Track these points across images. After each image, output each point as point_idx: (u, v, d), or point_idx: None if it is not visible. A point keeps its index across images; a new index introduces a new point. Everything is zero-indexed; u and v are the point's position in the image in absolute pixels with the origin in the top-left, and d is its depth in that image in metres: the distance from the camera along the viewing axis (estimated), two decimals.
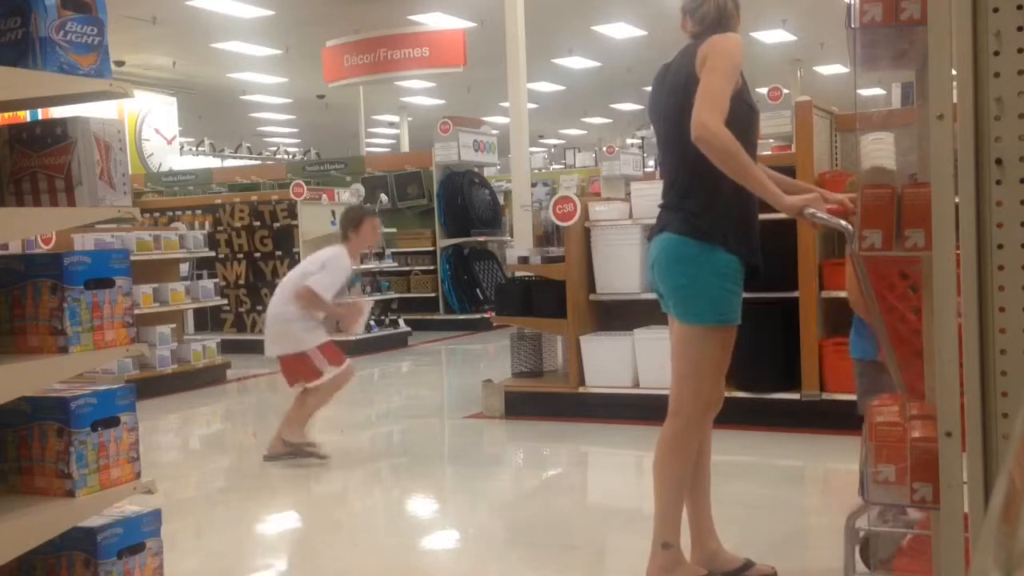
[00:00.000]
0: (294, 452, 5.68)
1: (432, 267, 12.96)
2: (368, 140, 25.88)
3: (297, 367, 5.73)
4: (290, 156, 25.89)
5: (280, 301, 5.77)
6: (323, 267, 5.67)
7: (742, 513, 4.41)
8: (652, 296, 6.31)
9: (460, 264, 12.93)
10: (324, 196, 11.28)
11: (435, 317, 12.78)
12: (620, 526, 4.51)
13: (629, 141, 23.15)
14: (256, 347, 11.40)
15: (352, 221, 5.85)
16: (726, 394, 6.02)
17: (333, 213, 11.12)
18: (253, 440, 5.50)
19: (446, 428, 7.14)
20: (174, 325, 8.57)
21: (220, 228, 11.54)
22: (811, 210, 2.82)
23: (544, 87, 22.14)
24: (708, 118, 2.86)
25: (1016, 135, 1.77)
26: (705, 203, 3.08)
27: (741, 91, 3.07)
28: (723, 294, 3.13)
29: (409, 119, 24.33)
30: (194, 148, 24.01)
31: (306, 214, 10.95)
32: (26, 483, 2.40)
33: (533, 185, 14.57)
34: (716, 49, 3.03)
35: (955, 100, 1.84)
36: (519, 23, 11.72)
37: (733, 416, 5.86)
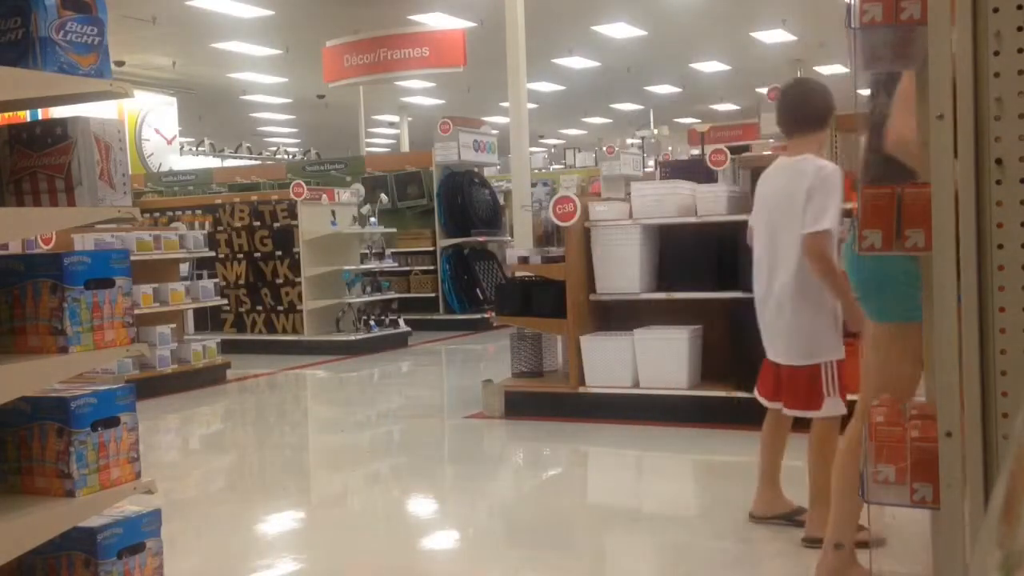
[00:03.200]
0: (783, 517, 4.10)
1: (432, 267, 12.96)
2: (368, 140, 25.87)
3: (801, 383, 3.82)
4: (290, 156, 25.88)
5: (783, 272, 3.80)
6: (812, 193, 3.63)
7: (741, 513, 4.41)
8: (652, 296, 6.38)
9: (460, 264, 12.93)
10: (324, 196, 11.27)
11: (435, 317, 12.78)
12: (620, 526, 4.51)
13: (629, 141, 23.14)
14: (256, 347, 11.48)
15: (816, 117, 3.82)
16: (725, 394, 6.07)
17: (333, 213, 11.12)
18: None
19: (446, 428, 7.14)
20: (174, 325, 8.57)
21: (220, 228, 11.54)
22: None
23: (544, 87, 22.13)
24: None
25: (1016, 135, 1.77)
26: None
27: None
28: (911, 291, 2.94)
29: (409, 119, 24.34)
30: (194, 148, 24.00)
31: (306, 214, 10.94)
32: (26, 483, 2.40)
33: (533, 185, 14.58)
34: None
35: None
36: (519, 23, 11.73)
37: (733, 416, 5.89)
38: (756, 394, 4.14)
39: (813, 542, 3.76)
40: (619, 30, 17.32)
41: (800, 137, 3.82)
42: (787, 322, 3.80)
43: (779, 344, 3.87)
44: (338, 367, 10.14)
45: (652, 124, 24.77)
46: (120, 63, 17.11)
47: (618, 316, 6.61)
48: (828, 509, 3.81)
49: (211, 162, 23.44)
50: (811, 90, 3.88)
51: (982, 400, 1.82)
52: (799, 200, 3.64)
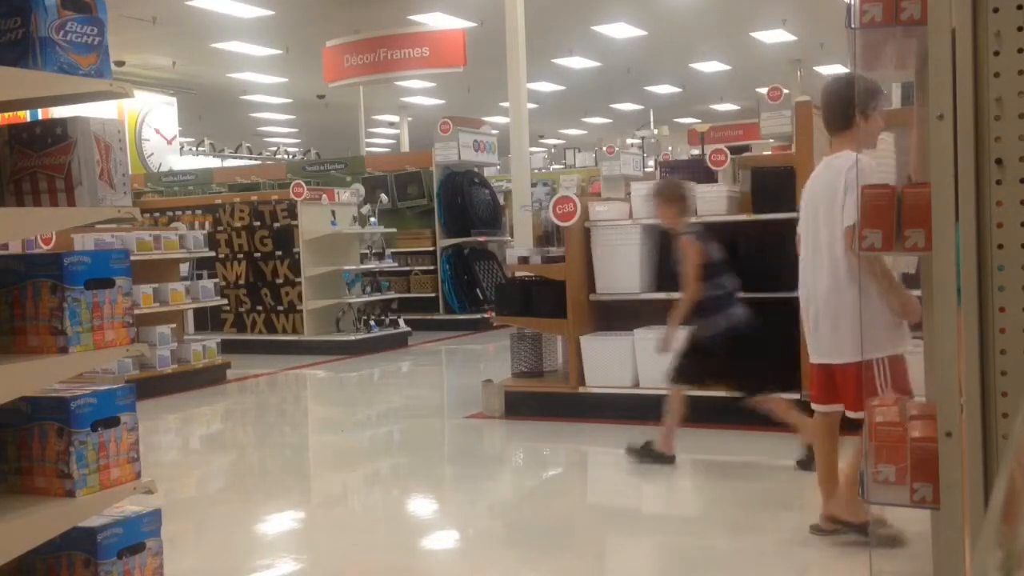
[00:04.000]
0: (852, 530, 3.76)
1: (432, 267, 12.96)
2: (368, 140, 25.86)
3: (851, 381, 3.65)
4: (290, 156, 25.86)
5: (828, 268, 3.72)
6: (850, 186, 3.47)
7: (743, 513, 4.41)
8: (652, 296, 6.38)
9: (460, 264, 12.93)
10: (324, 196, 11.27)
11: (435, 317, 12.78)
12: (620, 526, 4.51)
13: (629, 141, 23.14)
14: (256, 347, 11.48)
15: (845, 114, 3.69)
16: (727, 394, 6.07)
17: (333, 213, 11.11)
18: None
19: (446, 428, 7.14)
20: (174, 325, 8.56)
21: (220, 228, 11.54)
22: None
23: (544, 87, 22.12)
24: None
25: (1016, 135, 1.77)
26: None
27: None
28: None
29: (409, 119, 24.32)
30: (194, 148, 23.98)
31: (306, 214, 10.94)
32: (26, 483, 2.40)
33: (533, 185, 14.57)
34: None
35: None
36: (519, 23, 11.72)
37: (733, 416, 5.89)
38: (812, 405, 3.95)
39: (827, 524, 3.75)
40: (619, 30, 17.31)
41: (834, 135, 3.79)
42: (835, 318, 3.68)
43: (825, 342, 3.75)
44: (338, 367, 10.14)
45: (652, 124, 24.76)
46: (120, 63, 17.10)
47: (618, 316, 6.60)
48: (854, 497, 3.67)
49: (211, 162, 23.42)
50: (841, 87, 3.76)
51: (982, 400, 1.82)
52: (840, 195, 3.59)
